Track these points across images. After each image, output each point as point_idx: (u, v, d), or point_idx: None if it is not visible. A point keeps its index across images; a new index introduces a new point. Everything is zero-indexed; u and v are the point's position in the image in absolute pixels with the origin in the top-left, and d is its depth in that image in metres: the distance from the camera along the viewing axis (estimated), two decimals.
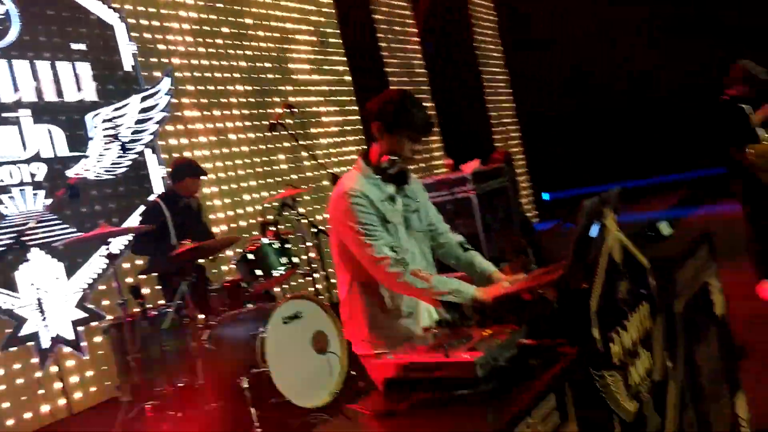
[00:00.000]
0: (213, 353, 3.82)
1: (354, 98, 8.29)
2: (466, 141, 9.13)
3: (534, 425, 1.44)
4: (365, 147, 2.53)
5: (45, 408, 4.92)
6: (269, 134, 5.18)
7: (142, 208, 4.92)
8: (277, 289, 4.74)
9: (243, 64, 7.11)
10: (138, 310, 3.82)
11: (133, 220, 5.69)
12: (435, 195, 5.97)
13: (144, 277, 5.31)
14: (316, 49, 8.06)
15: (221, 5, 7.02)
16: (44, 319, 5.09)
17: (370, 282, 2.38)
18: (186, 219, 4.41)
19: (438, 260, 2.65)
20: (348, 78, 8.44)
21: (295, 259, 4.16)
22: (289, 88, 7.54)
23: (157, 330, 3.77)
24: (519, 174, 10.93)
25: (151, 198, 4.97)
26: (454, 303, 2.26)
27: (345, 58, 8.39)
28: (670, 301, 2.41)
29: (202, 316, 3.85)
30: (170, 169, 5.03)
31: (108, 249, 3.75)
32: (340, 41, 8.46)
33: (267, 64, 7.37)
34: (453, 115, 9.58)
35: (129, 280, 5.31)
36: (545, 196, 11.21)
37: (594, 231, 2.01)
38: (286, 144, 7.04)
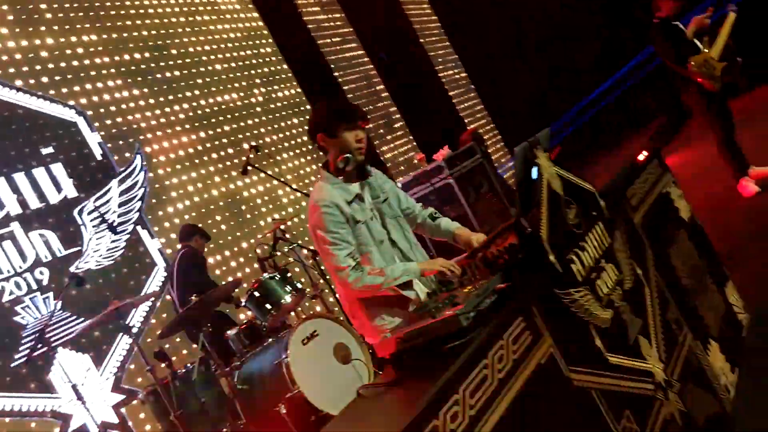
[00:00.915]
0: (247, 391, 4.02)
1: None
2: (437, 132, 9.35)
3: (506, 346, 1.65)
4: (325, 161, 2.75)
5: None
6: (243, 176, 5.43)
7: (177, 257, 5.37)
8: (291, 317, 4.94)
9: (203, 120, 7.37)
10: (168, 371, 4.02)
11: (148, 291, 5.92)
12: (418, 189, 6.21)
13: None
14: (270, 90, 8.33)
15: (165, 72, 7.29)
16: (87, 410, 5.32)
17: None
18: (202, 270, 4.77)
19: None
20: (307, 107, 8.70)
21: (299, 285, 4.37)
22: (251, 132, 7.80)
23: (191, 385, 3.98)
24: (497, 142, 11.19)
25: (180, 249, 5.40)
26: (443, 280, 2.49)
27: (300, 90, 8.66)
28: (629, 216, 2.62)
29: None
30: (181, 231, 5.64)
31: (123, 322, 3.96)
32: (291, 74, 8.74)
33: (225, 117, 7.64)
34: (418, 111, 9.83)
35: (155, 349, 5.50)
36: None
37: (534, 173, 2.22)
38: (260, 187, 7.31)
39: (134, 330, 5.72)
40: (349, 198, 2.59)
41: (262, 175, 6.88)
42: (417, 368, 2.00)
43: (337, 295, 4.51)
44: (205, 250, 5.75)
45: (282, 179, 4.45)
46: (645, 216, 2.72)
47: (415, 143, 9.62)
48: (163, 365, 4.07)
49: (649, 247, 2.60)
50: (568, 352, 1.85)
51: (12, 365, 4.96)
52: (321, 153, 2.76)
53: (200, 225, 6.28)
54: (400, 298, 2.60)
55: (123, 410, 5.50)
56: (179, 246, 5.59)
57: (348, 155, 2.58)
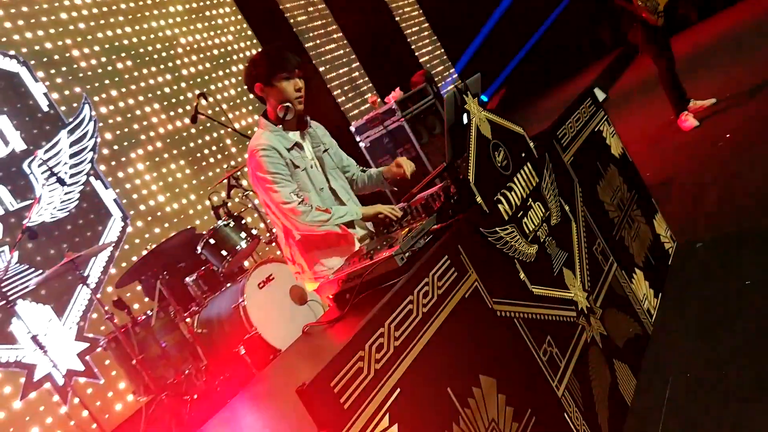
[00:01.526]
0: (206, 335, 4.16)
1: None
2: (395, 75, 9.33)
3: (432, 282, 1.79)
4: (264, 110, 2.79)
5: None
6: (193, 125, 5.39)
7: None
8: (247, 263, 5.05)
9: (151, 66, 7.23)
10: (129, 318, 4.12)
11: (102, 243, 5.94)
12: (371, 133, 6.26)
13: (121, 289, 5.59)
14: (219, 34, 8.16)
15: (115, 18, 7.09)
16: (51, 359, 5.41)
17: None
18: None
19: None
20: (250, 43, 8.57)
21: (255, 231, 4.46)
22: (201, 78, 7.69)
23: (151, 331, 4.09)
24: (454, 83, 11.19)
25: None
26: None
27: (252, 34, 8.51)
28: (558, 155, 2.76)
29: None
30: None
31: (80, 273, 4.03)
32: (243, 19, 8.56)
33: (174, 63, 7.49)
34: (375, 55, 9.76)
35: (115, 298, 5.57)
36: (483, 98, 11.54)
37: (465, 118, 2.33)
38: (208, 136, 7.27)
39: (93, 280, 5.77)
40: (288, 145, 2.65)
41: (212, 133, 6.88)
42: (356, 307, 2.14)
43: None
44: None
45: (230, 127, 4.46)
46: (575, 154, 2.86)
47: (370, 86, 9.60)
48: (123, 312, 4.16)
49: (577, 184, 2.75)
50: (493, 285, 2.00)
51: None
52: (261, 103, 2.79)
53: (155, 174, 6.26)
54: (337, 242, 2.71)
55: (88, 358, 5.62)
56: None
57: (287, 104, 2.63)
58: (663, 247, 3.27)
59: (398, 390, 1.54)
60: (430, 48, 11.61)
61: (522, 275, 2.16)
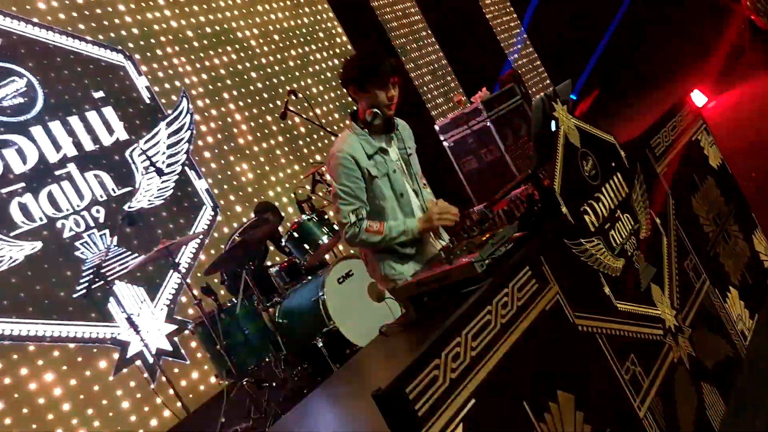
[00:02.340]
0: (287, 325, 4.28)
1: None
2: (480, 74, 9.23)
3: (511, 293, 1.76)
4: (354, 109, 2.83)
5: (166, 413, 5.57)
6: (283, 122, 5.55)
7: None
8: (328, 257, 5.16)
9: (247, 63, 7.49)
10: (215, 305, 4.31)
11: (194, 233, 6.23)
12: (455, 132, 6.24)
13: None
14: (312, 31, 8.35)
15: (210, 16, 7.40)
16: (142, 339, 5.75)
17: None
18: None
19: None
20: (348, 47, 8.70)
21: (336, 226, 4.54)
22: (291, 74, 7.90)
23: (235, 318, 4.26)
24: (543, 84, 10.96)
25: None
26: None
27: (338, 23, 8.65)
28: (650, 166, 2.65)
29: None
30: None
31: (173, 259, 4.24)
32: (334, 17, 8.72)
33: (268, 59, 7.73)
34: (461, 51, 9.68)
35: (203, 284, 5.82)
36: (573, 96, 11.18)
37: (553, 125, 2.28)
38: (296, 131, 7.44)
39: (183, 266, 6.07)
40: (371, 151, 2.65)
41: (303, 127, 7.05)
42: (433, 311, 2.15)
43: None
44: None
45: (318, 123, 4.56)
46: (669, 165, 2.74)
47: (456, 85, 9.54)
48: (210, 298, 4.36)
49: (670, 196, 2.64)
50: (575, 299, 1.95)
51: (74, 296, 5.37)
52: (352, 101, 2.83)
53: (245, 167, 6.46)
54: (411, 247, 2.70)
55: (176, 339, 5.92)
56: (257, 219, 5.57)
57: (376, 110, 2.65)
58: (762, 265, 3.08)
59: (473, 400, 1.54)
60: (519, 46, 11.40)
61: (606, 290, 2.10)
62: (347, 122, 2.79)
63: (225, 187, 6.85)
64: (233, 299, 4.35)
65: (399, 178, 2.71)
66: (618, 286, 2.15)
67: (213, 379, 4.52)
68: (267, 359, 4.29)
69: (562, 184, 2.12)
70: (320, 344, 4.00)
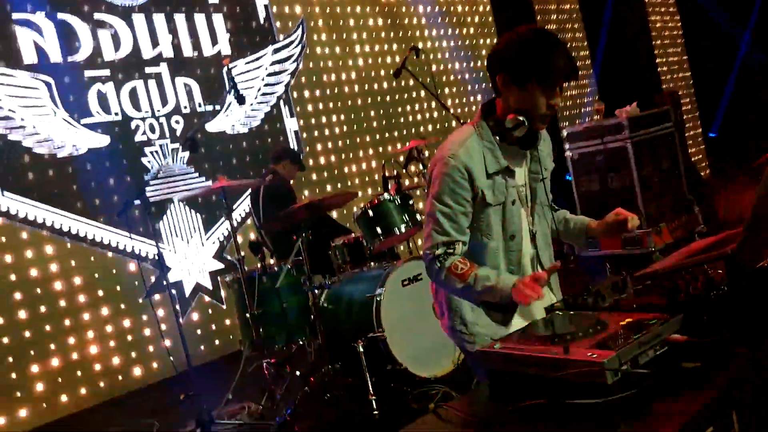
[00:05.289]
0: (331, 313, 3.66)
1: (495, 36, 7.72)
2: (625, 82, 8.12)
3: None
4: (493, 97, 2.01)
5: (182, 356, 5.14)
6: (395, 80, 4.86)
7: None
8: (401, 248, 4.48)
9: (375, 12, 6.81)
10: (259, 265, 3.74)
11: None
12: (584, 145, 5.35)
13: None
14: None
15: None
16: (185, 268, 5.32)
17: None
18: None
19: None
20: (489, 19, 7.83)
21: (419, 217, 3.84)
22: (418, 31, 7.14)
23: (277, 286, 3.68)
24: (687, 118, 9.67)
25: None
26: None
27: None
28: None
29: (319, 275, 3.69)
30: (272, 152, 5.13)
31: (226, 201, 3.70)
32: None
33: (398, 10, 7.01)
34: (610, 50, 8.56)
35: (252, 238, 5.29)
36: (711, 135, 9.86)
37: None
38: (406, 94, 6.71)
39: (244, 210, 5.56)
40: (494, 169, 1.90)
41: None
42: (520, 411, 1.42)
43: None
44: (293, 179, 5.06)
45: (434, 94, 3.83)
46: None
47: (594, 88, 8.48)
48: (257, 257, 3.79)
49: None
50: None
51: (127, 204, 4.95)
52: (492, 89, 2.03)
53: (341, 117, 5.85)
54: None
55: (218, 279, 5.46)
56: (264, 170, 5.07)
57: (523, 119, 1.86)
58: None
59: None
60: (676, 67, 10.11)
61: None
62: (475, 116, 1.99)
63: (315, 133, 6.26)
64: (283, 264, 3.75)
65: (517, 212, 1.94)
66: None
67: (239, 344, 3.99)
68: (300, 342, 3.70)
69: None
70: (360, 348, 3.35)
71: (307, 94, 6.20)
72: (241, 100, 3.63)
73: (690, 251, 1.77)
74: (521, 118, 1.86)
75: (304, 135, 6.16)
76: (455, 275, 1.85)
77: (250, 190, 4.95)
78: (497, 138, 1.91)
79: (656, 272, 1.70)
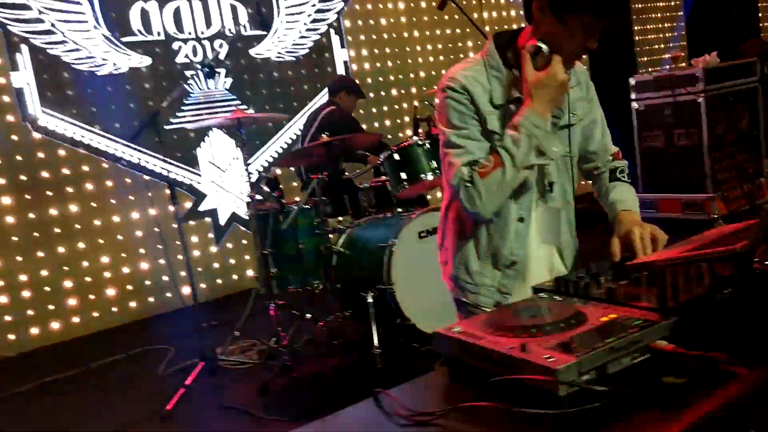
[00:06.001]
0: (348, 258, 3.51)
1: None
2: (713, 28, 7.30)
3: None
4: (511, 28, 1.74)
5: (220, 280, 5.18)
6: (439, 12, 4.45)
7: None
8: (438, 196, 4.23)
9: None
10: (276, 203, 3.60)
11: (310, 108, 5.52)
12: (653, 96, 4.83)
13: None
14: None
15: None
16: (222, 197, 5.27)
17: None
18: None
19: None
20: None
21: None
22: None
23: (295, 225, 3.53)
24: None
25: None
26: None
27: None
28: None
29: (339, 218, 3.52)
30: (330, 83, 4.89)
31: (241, 133, 3.54)
32: None
33: None
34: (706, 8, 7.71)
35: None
36: None
37: None
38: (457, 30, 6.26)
39: (283, 145, 5.40)
40: (501, 101, 1.64)
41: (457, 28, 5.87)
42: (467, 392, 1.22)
43: None
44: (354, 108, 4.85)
45: (479, 28, 3.46)
46: None
47: (674, 34, 7.68)
48: (273, 193, 3.64)
49: None
50: None
51: (165, 128, 4.89)
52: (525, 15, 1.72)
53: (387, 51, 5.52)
54: (513, 263, 1.74)
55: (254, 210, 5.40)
56: (324, 101, 4.84)
57: (547, 48, 1.57)
58: None
59: None
60: None
61: None
62: (488, 42, 1.70)
63: (366, 66, 5.98)
64: (304, 204, 3.59)
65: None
66: None
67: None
68: (314, 284, 3.57)
69: None
70: (369, 299, 3.20)
71: (360, 22, 5.89)
72: (265, 25, 3.38)
73: (703, 241, 1.47)
74: (543, 46, 1.58)
75: (354, 67, 5.89)
76: (488, 172, 1.60)
77: (306, 118, 4.79)
78: (514, 71, 1.64)
79: (653, 263, 1.42)
